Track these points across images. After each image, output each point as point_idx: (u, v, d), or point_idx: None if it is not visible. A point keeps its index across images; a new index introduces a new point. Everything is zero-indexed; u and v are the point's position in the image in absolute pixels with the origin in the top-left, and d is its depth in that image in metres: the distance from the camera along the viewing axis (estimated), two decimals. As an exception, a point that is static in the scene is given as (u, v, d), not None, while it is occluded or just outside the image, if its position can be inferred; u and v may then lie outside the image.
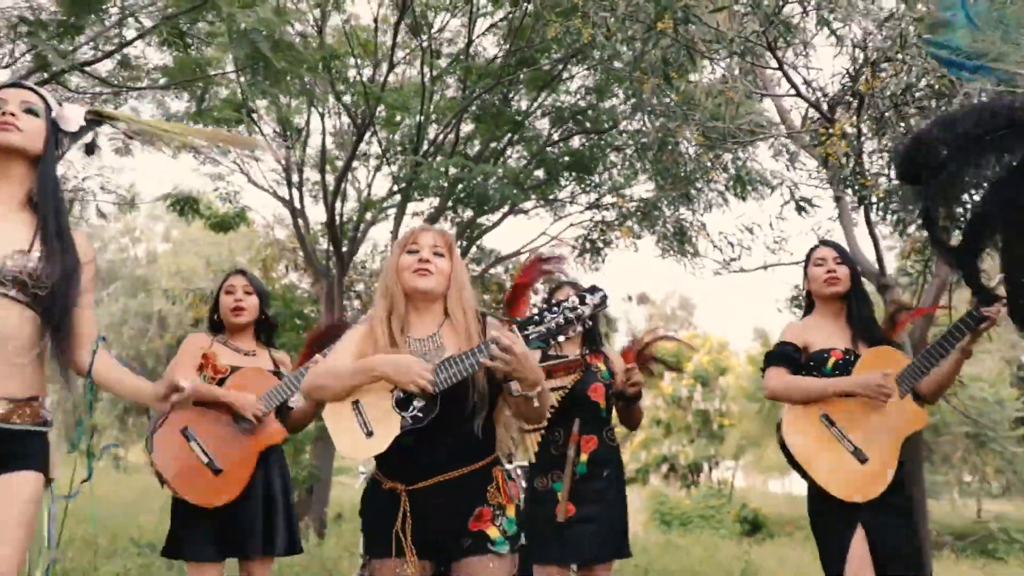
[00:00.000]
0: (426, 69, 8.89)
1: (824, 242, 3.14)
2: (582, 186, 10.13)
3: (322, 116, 9.67)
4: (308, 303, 11.82)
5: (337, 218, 9.63)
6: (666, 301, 34.23)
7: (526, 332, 2.02)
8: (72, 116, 2.17)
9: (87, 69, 6.16)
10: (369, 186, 10.53)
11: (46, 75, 4.99)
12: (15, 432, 1.94)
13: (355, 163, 10.11)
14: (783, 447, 2.84)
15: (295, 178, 10.18)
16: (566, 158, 9.68)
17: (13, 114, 2.04)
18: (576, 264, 10.30)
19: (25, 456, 1.96)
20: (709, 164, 7.05)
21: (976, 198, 2.07)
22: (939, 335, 2.81)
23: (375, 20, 8.98)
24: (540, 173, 9.86)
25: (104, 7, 4.79)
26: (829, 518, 2.74)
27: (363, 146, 9.94)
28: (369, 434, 2.06)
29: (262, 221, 12.96)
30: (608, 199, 9.99)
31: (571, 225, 10.44)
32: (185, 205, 9.72)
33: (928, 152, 2.05)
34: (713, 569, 8.30)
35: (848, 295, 2.95)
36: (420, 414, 2.05)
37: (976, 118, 2.03)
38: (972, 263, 2.06)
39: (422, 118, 9.03)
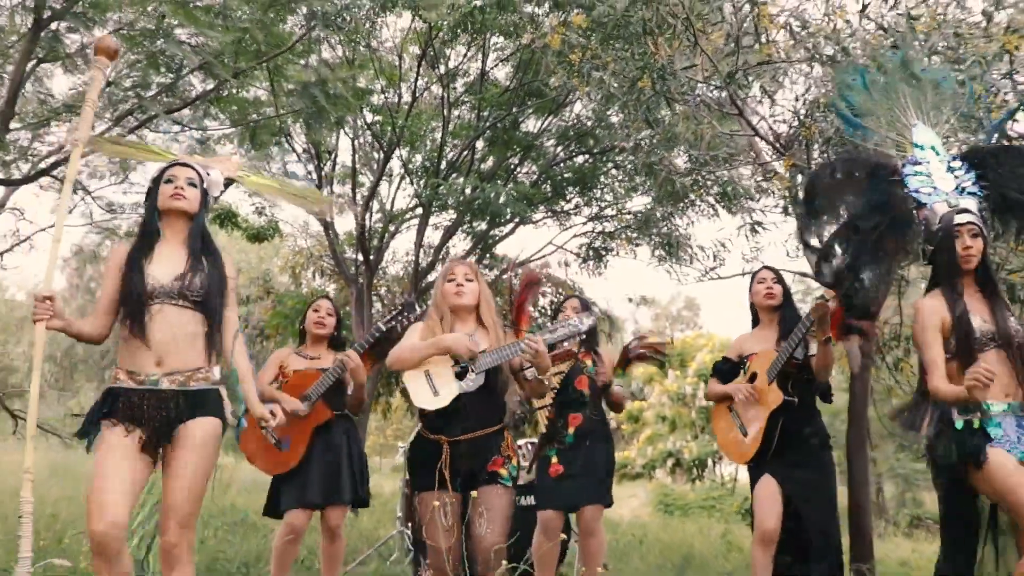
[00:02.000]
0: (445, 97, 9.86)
1: (766, 267, 4.23)
2: (585, 199, 11.02)
3: (352, 140, 10.63)
4: (335, 306, 12.81)
5: (365, 231, 10.62)
6: (672, 303, 35.18)
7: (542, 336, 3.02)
8: (216, 181, 3.01)
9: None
10: (392, 200, 11.55)
11: (136, 120, 6.09)
12: (193, 392, 2.72)
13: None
14: None
15: (325, 192, 11.15)
16: (571, 175, 10.63)
17: (183, 188, 2.87)
18: (580, 270, 11.32)
19: (203, 407, 2.72)
20: (698, 181, 8.06)
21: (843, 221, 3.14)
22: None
23: (399, 55, 9.96)
24: (547, 188, 10.71)
25: (184, 69, 5.88)
26: (752, 472, 3.87)
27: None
28: (436, 394, 3.07)
29: (288, 230, 13.94)
30: (609, 211, 10.97)
31: (574, 236, 11.38)
32: (225, 218, 10.75)
33: (818, 185, 3.22)
34: (702, 541, 9.26)
35: (781, 307, 4.02)
36: (471, 383, 3.05)
37: (844, 166, 3.20)
38: (822, 263, 3.13)
39: (441, 140, 10.04)
